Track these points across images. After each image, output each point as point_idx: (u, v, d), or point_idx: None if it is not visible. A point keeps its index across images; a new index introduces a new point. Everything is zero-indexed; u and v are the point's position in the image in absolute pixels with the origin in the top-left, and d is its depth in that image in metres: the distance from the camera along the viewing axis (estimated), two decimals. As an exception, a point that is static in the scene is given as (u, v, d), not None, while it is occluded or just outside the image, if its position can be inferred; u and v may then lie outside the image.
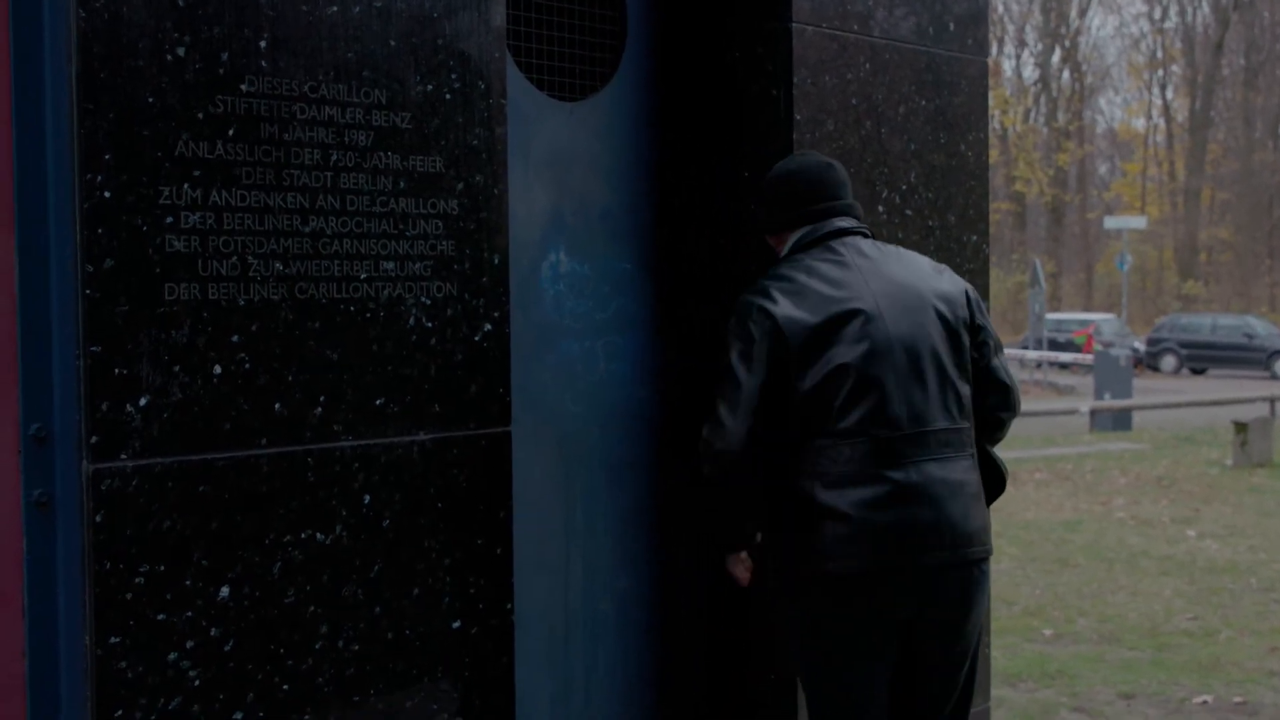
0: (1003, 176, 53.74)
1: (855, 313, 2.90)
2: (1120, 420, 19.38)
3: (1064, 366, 32.60)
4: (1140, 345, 36.37)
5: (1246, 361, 36.02)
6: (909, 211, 3.87)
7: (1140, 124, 61.70)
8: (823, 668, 2.94)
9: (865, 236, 3.11)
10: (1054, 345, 33.92)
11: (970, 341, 3.06)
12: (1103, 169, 63.36)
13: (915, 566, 2.87)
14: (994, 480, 3.19)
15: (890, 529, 2.84)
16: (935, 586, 2.90)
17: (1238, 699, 5.54)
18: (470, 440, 2.88)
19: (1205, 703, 5.50)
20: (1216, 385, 31.04)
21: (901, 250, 3.13)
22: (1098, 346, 27.98)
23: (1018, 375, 29.56)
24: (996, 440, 3.22)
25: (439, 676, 2.85)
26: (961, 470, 2.95)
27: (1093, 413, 19.63)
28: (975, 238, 4.11)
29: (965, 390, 3.02)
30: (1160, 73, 59.83)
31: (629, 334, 3.62)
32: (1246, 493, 11.93)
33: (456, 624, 2.87)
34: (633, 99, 3.63)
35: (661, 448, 3.71)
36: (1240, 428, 13.90)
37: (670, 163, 3.72)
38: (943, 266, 3.17)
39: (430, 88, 2.81)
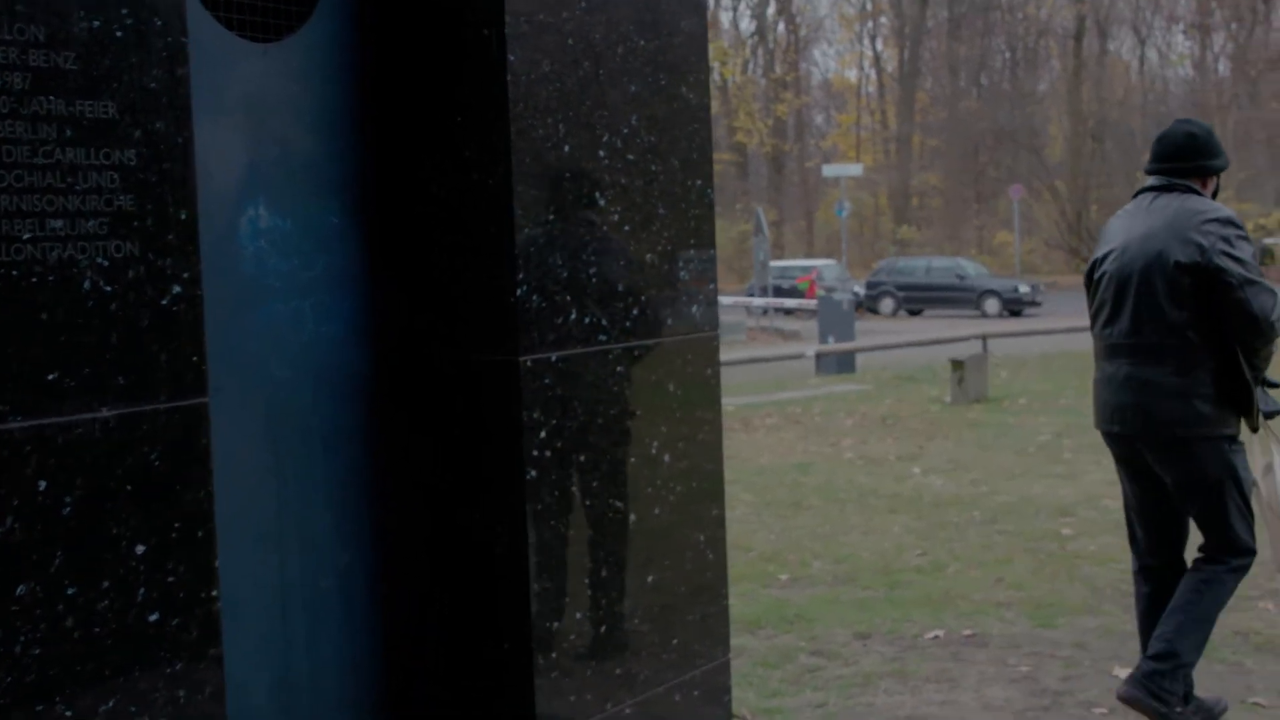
0: (724, 128, 54.65)
1: None
2: (844, 363, 19.90)
3: (789, 312, 33.38)
4: (860, 289, 37.53)
5: (959, 302, 37.64)
6: (631, 156, 3.74)
7: (853, 75, 63.59)
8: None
9: None
10: (779, 292, 34.68)
11: None
12: (819, 119, 65.14)
13: None
14: None
15: None
16: None
17: (968, 632, 5.66)
18: (162, 414, 2.62)
19: (937, 637, 5.60)
20: (932, 325, 32.30)
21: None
22: (820, 292, 28.69)
23: (744, 322, 30.17)
24: None
25: (137, 676, 2.58)
26: None
27: (818, 356, 20.09)
28: (700, 182, 4.00)
29: None
30: (870, 24, 61.71)
31: (340, 292, 3.38)
32: (966, 428, 12.36)
33: (154, 617, 2.61)
34: (335, 39, 3.38)
35: (379, 412, 3.49)
36: (957, 365, 14.41)
37: (381, 107, 3.48)
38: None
39: (97, 24, 2.51)
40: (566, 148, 3.51)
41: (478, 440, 3.46)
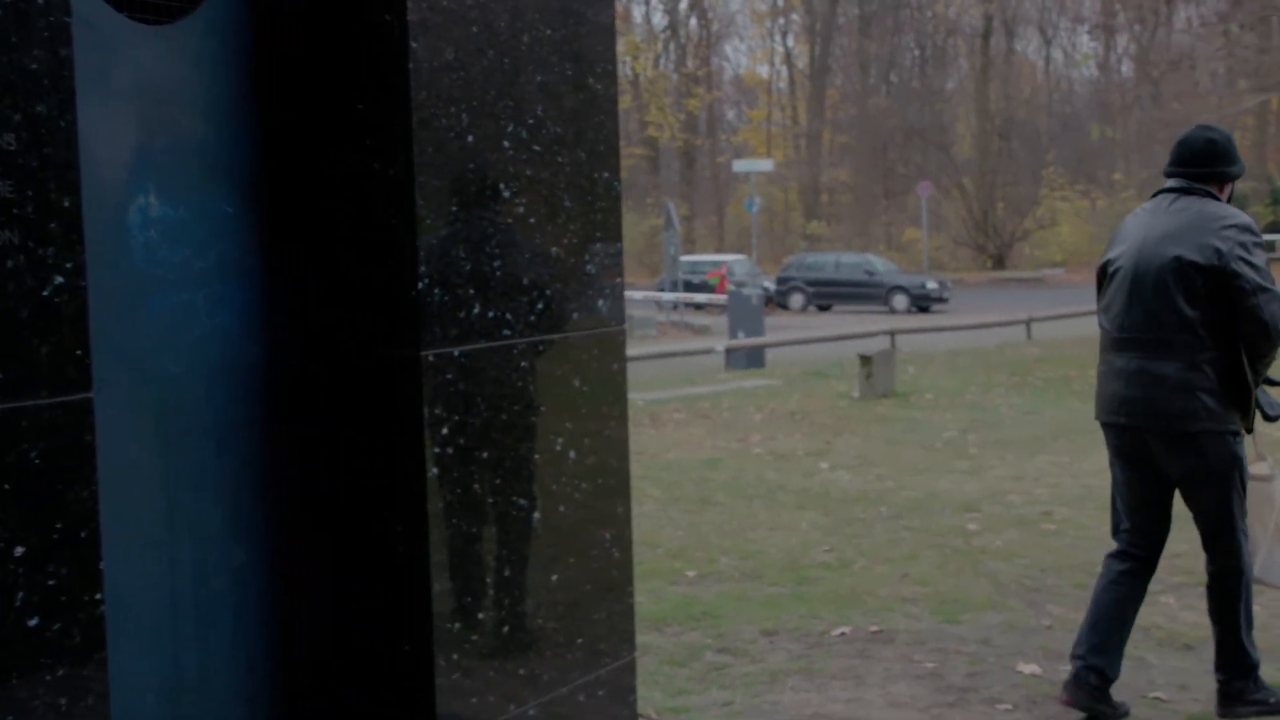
0: (636, 122, 54.65)
1: None
2: (754, 358, 19.97)
3: (699, 307, 33.46)
4: (770, 284, 37.68)
5: (867, 297, 37.94)
6: (537, 147, 3.67)
7: (764, 71, 63.89)
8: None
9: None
10: (689, 287, 34.77)
11: None
12: (730, 114, 65.40)
13: None
14: None
15: None
16: None
17: (874, 628, 5.66)
18: (43, 410, 2.50)
19: (844, 634, 5.59)
20: (841, 321, 32.52)
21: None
22: (730, 287, 28.78)
23: (655, 317, 30.19)
24: None
25: (15, 683, 2.47)
26: None
27: (728, 351, 20.15)
28: (607, 175, 3.94)
29: None
30: (781, 21, 62.01)
31: (234, 283, 3.28)
32: (873, 423, 12.42)
33: (34, 622, 2.50)
34: (230, 22, 3.28)
35: (276, 408, 3.39)
36: (865, 361, 14.49)
37: (278, 94, 3.38)
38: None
39: (-25, 1, 2.40)
40: (470, 138, 3.44)
41: (378, 437, 3.38)
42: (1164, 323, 4.47)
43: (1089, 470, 9.44)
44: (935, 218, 52.87)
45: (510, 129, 3.57)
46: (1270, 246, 39.06)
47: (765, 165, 41.81)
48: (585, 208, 3.87)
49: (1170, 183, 4.67)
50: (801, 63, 62.17)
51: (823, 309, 38.52)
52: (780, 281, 39.27)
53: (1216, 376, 4.44)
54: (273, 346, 3.38)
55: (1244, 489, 4.56)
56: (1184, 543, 6.96)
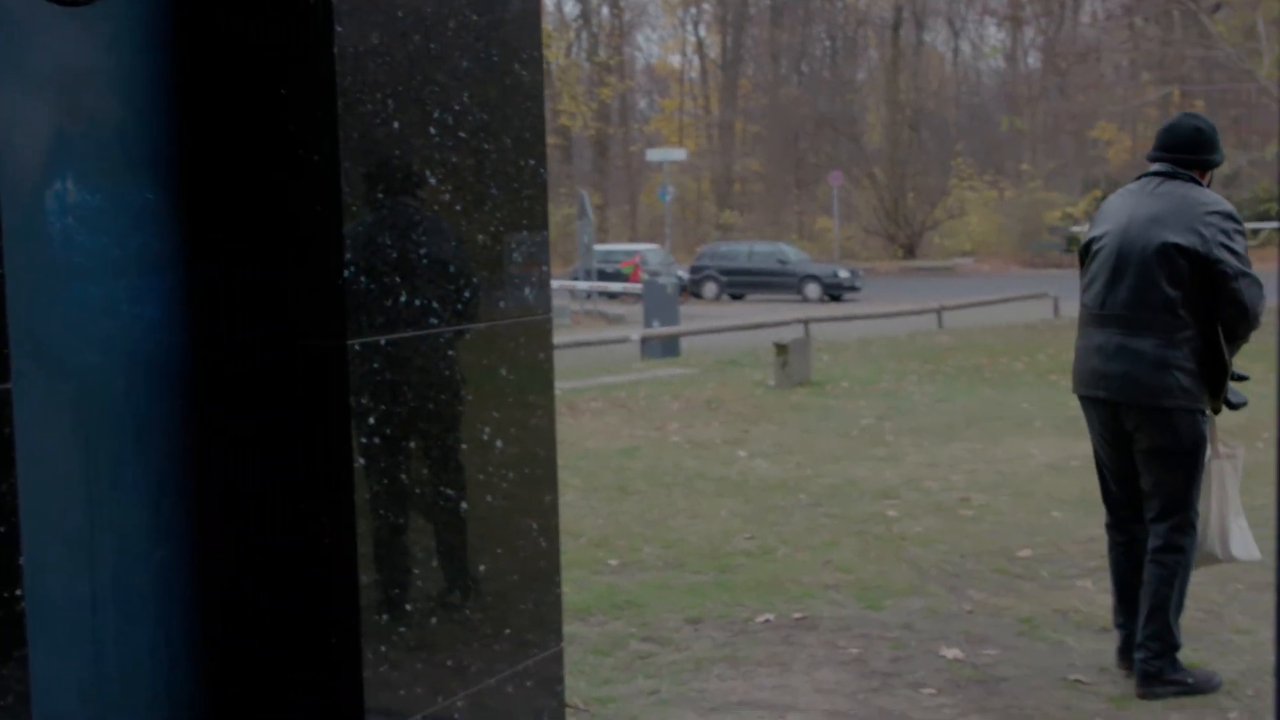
0: (548, 111, 54.41)
1: None
2: (669, 347, 19.99)
3: (613, 296, 33.43)
4: (684, 273, 37.75)
5: (781, 286, 38.12)
6: (463, 134, 3.62)
7: (676, 60, 63.99)
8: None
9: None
10: (603, 276, 34.72)
11: None
12: (643, 104, 65.39)
13: None
14: None
15: None
16: None
17: (798, 615, 5.68)
18: (-40, 403, 2.43)
19: (768, 621, 5.61)
20: (755, 309, 32.67)
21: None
22: (645, 276, 28.78)
23: (569, 307, 30.12)
24: None
25: (-67, 684, 2.40)
26: None
27: (643, 340, 20.14)
28: (533, 162, 3.91)
29: None
30: (693, 10, 62.12)
31: (156, 273, 3.21)
32: (790, 411, 12.48)
33: (-48, 620, 2.43)
34: (151, 5, 3.20)
35: (198, 401, 3.32)
36: (781, 349, 14.55)
37: (200, 78, 3.31)
38: None
39: (-114, -20, 2.32)
40: (396, 124, 3.39)
41: (303, 428, 3.32)
42: (1146, 302, 4.66)
43: (1003, 457, 9.55)
44: (846, 207, 53.26)
45: (436, 115, 3.53)
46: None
47: (678, 154, 41.88)
48: (511, 195, 3.83)
49: (1155, 167, 4.87)
50: (713, 52, 62.35)
51: (736, 298, 38.66)
52: (694, 270, 39.35)
53: (1193, 356, 4.65)
54: (195, 337, 3.31)
55: (1201, 469, 4.74)
56: (1098, 528, 7.08)
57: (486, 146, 3.73)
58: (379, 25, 3.33)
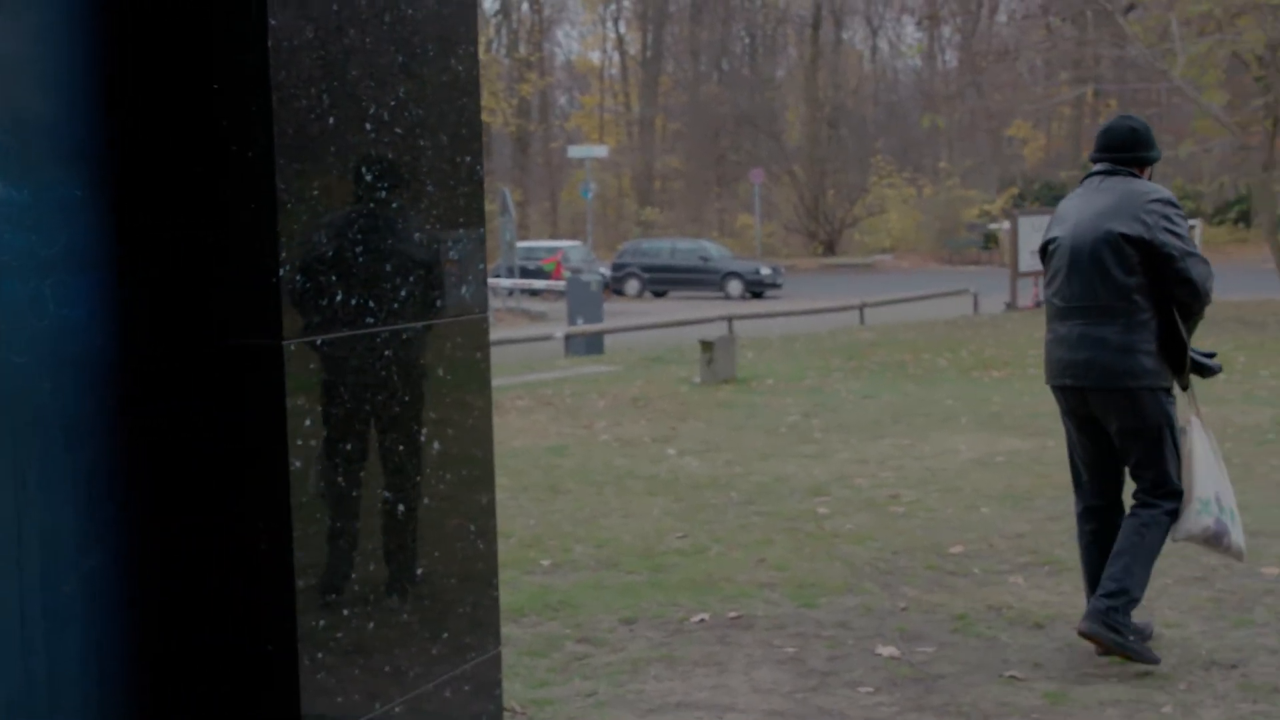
0: (469, 107, 54.06)
1: None
2: (593, 344, 19.95)
3: (536, 293, 33.31)
4: (606, 270, 37.71)
5: (703, 283, 38.21)
6: (399, 130, 3.56)
7: (596, 57, 63.90)
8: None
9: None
10: (525, 273, 34.59)
11: None
12: (563, 100, 65.24)
13: None
14: None
15: None
16: None
17: (733, 613, 5.66)
18: (-117, 407, 2.34)
19: (703, 620, 5.58)
20: (678, 306, 32.71)
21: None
22: (568, 273, 28.72)
23: (491, 304, 29.97)
24: None
25: None
26: None
27: (567, 337, 20.08)
28: (469, 159, 3.85)
29: None
30: (613, 7, 62.05)
31: (84, 272, 3.11)
32: (716, 408, 12.48)
33: (-124, 634, 2.34)
34: (75, -3, 3.10)
35: (129, 403, 3.23)
36: (706, 346, 14.55)
37: (131, 72, 3.21)
38: None
39: None
40: (331, 120, 3.32)
41: (238, 430, 3.24)
42: (1103, 291, 4.91)
43: (930, 453, 9.60)
44: (767, 204, 53.48)
45: (372, 110, 3.46)
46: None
47: (599, 151, 41.85)
48: (448, 192, 3.77)
49: (1097, 167, 5.15)
50: (634, 49, 62.35)
51: (658, 295, 38.68)
52: (616, 268, 39.32)
53: (1154, 338, 4.89)
54: (126, 338, 3.21)
55: (1175, 439, 4.96)
56: (1026, 523, 7.13)
57: (422, 143, 3.66)
58: (314, 18, 3.26)
